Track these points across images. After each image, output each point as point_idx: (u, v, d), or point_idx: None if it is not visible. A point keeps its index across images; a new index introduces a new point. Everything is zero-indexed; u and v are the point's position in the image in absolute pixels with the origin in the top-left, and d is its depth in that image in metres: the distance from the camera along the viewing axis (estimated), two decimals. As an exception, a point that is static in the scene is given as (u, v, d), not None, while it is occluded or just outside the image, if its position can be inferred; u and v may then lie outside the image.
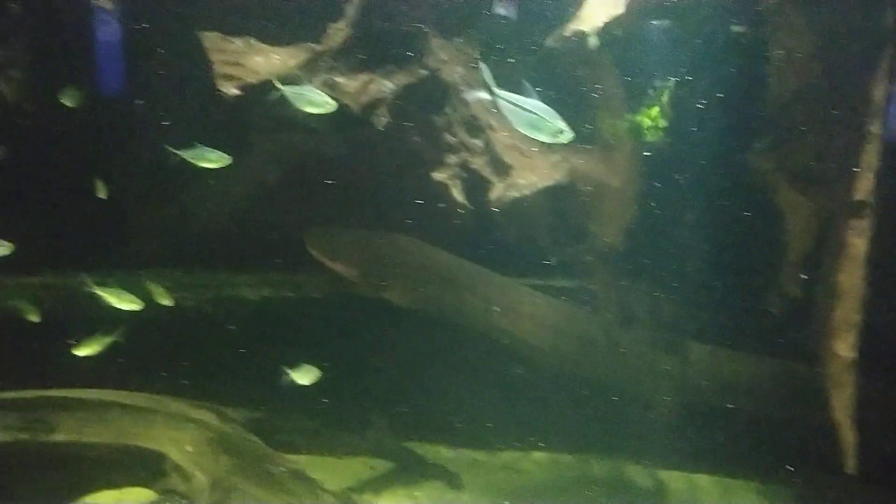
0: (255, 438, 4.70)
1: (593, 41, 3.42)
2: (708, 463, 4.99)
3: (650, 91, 3.86)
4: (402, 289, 4.41)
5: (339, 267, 4.50)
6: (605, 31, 3.42)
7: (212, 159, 3.97)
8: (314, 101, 3.71)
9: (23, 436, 4.36)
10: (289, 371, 4.09)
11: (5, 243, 3.98)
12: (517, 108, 3.09)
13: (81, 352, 4.25)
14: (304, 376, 4.15)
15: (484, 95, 3.18)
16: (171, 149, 3.79)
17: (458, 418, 5.30)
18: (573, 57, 3.52)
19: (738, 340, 4.52)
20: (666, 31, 3.88)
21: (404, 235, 4.56)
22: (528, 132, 3.13)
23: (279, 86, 3.70)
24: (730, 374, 4.59)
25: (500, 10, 4.15)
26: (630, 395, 4.87)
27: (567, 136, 3.11)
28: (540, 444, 5.33)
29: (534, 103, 3.11)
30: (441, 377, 5.12)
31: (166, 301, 4.58)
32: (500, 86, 3.14)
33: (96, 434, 4.41)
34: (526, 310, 4.56)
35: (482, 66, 3.15)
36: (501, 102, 3.12)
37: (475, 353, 5.01)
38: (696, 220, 4.11)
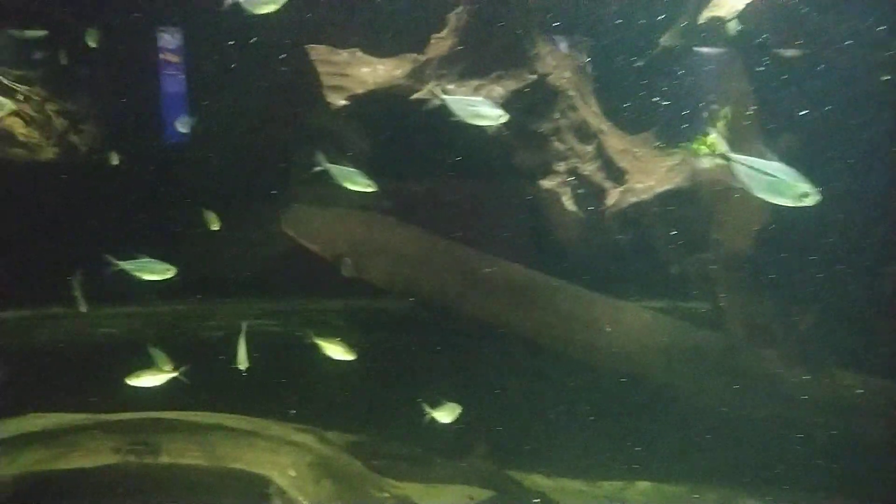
0: (358, 463, 4.61)
1: (733, 26, 3.18)
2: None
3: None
4: (379, 269, 4.25)
5: (315, 247, 4.36)
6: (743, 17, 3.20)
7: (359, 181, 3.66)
8: (483, 113, 3.37)
9: (129, 458, 4.41)
10: (429, 410, 3.98)
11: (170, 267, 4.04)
12: (755, 172, 2.83)
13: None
14: (445, 414, 4.06)
15: (718, 160, 2.97)
16: (323, 161, 3.56)
17: (559, 446, 5.13)
18: (697, 52, 3.31)
19: (883, 362, 4.13)
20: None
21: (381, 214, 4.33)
22: (768, 197, 2.84)
23: (441, 96, 3.40)
24: (874, 400, 4.19)
25: (607, 11, 4.00)
26: (752, 421, 4.53)
27: (813, 198, 2.82)
28: (645, 473, 5.05)
29: (774, 165, 2.83)
30: (541, 404, 4.92)
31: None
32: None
33: (200, 457, 4.43)
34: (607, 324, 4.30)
35: (713, 131, 2.97)
36: (737, 167, 2.86)
37: (576, 379, 4.80)
38: (835, 225, 3.77)
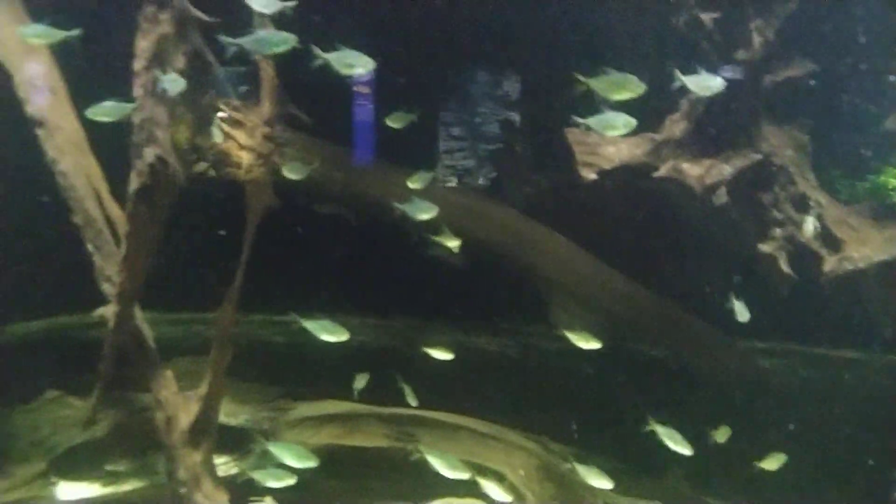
0: (575, 470, 5.36)
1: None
2: None
3: None
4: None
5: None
6: None
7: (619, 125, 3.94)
8: None
9: (395, 444, 5.54)
10: (656, 428, 4.53)
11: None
12: None
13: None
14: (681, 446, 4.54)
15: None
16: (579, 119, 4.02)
17: (757, 473, 5.42)
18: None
19: None
20: None
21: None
22: None
23: None
24: None
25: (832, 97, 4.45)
26: None
27: None
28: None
29: None
30: (740, 428, 5.17)
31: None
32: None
33: (448, 449, 5.40)
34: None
35: None
36: None
37: (776, 408, 5.11)
38: None
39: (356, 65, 4.06)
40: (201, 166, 4.93)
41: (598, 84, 3.74)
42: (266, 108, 4.93)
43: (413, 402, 5.25)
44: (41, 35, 4.05)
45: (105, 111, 4.37)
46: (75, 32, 4.30)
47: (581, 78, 3.70)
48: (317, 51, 4.12)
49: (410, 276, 6.17)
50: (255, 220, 4.70)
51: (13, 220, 5.82)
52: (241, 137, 4.82)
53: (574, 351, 5.94)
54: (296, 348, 6.46)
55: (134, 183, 4.14)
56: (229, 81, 5.23)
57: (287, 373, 6.08)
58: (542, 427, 5.60)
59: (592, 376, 5.72)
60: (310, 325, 4.59)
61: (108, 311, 4.11)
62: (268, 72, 4.99)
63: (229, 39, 4.02)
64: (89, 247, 4.30)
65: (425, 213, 4.84)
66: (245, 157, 4.54)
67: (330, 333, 4.59)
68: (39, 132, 4.23)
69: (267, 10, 3.99)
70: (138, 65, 4.18)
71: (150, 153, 4.12)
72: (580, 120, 3.98)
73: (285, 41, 4.00)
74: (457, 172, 6.31)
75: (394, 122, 4.81)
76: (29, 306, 6.38)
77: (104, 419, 5.14)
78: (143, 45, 4.18)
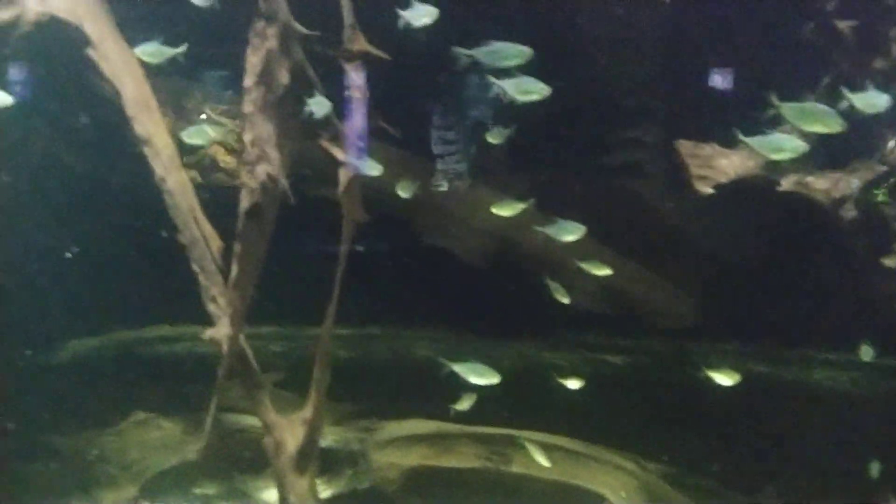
0: (674, 491, 5.22)
1: None
2: None
3: None
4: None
5: None
6: None
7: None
8: None
9: (488, 464, 5.41)
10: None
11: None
12: None
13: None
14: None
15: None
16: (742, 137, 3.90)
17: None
18: None
19: None
20: None
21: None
22: None
23: None
24: None
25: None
26: None
27: None
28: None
29: None
30: (837, 452, 5.08)
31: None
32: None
33: (544, 470, 5.29)
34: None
35: None
36: None
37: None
38: None
39: (533, 91, 3.89)
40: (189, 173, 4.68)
41: (791, 112, 3.53)
42: (357, 120, 4.87)
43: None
44: (153, 54, 3.98)
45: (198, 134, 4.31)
46: (182, 49, 4.26)
47: (775, 102, 3.51)
48: (493, 79, 3.96)
49: (492, 291, 6.14)
50: (350, 236, 4.62)
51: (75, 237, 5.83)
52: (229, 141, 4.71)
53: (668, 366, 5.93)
54: (360, 363, 6.48)
55: (245, 202, 4.04)
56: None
57: (357, 390, 6.00)
58: (636, 445, 5.51)
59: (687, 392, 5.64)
60: (459, 368, 4.46)
61: (217, 333, 4.00)
62: (359, 84, 4.91)
63: (463, 51, 3.88)
64: (195, 266, 4.19)
65: (572, 234, 4.56)
66: (231, 162, 4.40)
67: (480, 376, 4.49)
68: (147, 150, 4.13)
69: (415, 22, 3.89)
70: (249, 81, 4.08)
71: (261, 171, 4.02)
72: (744, 139, 3.78)
73: (520, 54, 3.81)
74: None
75: (493, 138, 4.71)
76: (88, 322, 6.42)
77: (193, 442, 5.07)
78: (253, 60, 4.08)
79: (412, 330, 6.28)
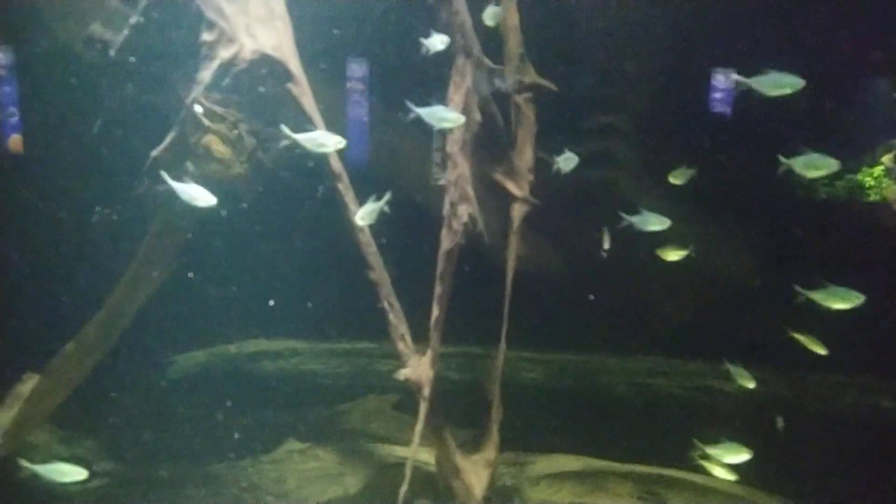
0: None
1: None
2: None
3: None
4: None
5: None
6: None
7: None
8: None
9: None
10: None
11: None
12: None
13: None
14: None
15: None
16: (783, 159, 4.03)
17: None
18: None
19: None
20: None
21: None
22: None
23: None
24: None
25: None
26: None
27: None
28: None
29: None
30: None
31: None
32: None
33: (702, 511, 5.20)
34: None
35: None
36: None
37: None
38: None
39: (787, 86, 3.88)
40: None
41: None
42: (527, 153, 4.83)
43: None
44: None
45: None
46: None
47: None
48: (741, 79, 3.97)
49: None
50: (513, 269, 4.59)
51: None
52: (222, 131, 4.40)
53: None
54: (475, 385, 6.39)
55: (446, 242, 4.02)
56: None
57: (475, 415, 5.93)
58: (794, 489, 5.37)
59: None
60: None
61: (416, 374, 3.96)
62: (528, 116, 4.87)
63: (741, 79, 3.92)
64: (384, 304, 4.17)
65: (656, 225, 4.61)
66: (226, 153, 4.24)
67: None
68: (339, 186, 4.10)
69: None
70: (451, 119, 4.08)
71: (463, 211, 3.99)
72: (784, 160, 3.93)
73: (794, 84, 3.86)
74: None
75: (675, 179, 4.64)
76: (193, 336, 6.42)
77: (352, 473, 5.03)
78: (456, 99, 4.07)
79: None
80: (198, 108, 3.83)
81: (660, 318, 6.05)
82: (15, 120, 5.70)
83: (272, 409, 6.08)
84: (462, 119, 3.88)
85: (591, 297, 5.45)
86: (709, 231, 5.47)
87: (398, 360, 4.17)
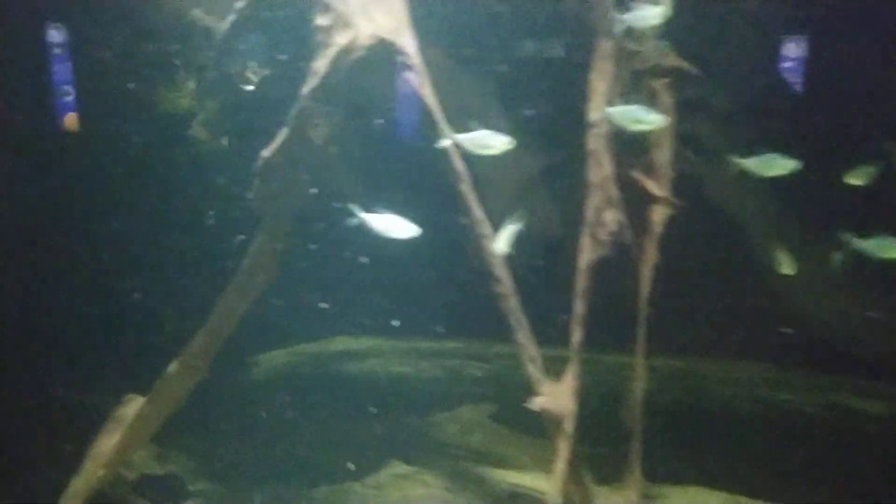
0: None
1: None
2: None
3: None
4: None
5: None
6: None
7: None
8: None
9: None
10: None
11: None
12: None
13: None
14: None
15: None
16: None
17: None
18: None
19: None
20: None
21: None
22: None
23: None
24: None
25: None
26: None
27: None
28: None
29: None
30: None
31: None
32: None
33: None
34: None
35: None
36: None
37: None
38: None
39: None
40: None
41: None
42: (665, 147, 4.26)
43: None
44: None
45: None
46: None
47: None
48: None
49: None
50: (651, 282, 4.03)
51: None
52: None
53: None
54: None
55: (590, 254, 3.50)
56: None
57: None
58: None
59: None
60: None
61: (556, 406, 3.46)
62: (666, 103, 4.29)
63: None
64: (511, 321, 3.69)
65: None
66: None
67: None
68: (462, 187, 3.63)
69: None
70: (595, 113, 3.53)
71: (610, 219, 3.46)
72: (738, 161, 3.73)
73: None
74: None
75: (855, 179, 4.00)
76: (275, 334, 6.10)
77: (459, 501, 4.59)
78: (600, 87, 3.52)
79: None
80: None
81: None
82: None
83: (364, 419, 5.75)
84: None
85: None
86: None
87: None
